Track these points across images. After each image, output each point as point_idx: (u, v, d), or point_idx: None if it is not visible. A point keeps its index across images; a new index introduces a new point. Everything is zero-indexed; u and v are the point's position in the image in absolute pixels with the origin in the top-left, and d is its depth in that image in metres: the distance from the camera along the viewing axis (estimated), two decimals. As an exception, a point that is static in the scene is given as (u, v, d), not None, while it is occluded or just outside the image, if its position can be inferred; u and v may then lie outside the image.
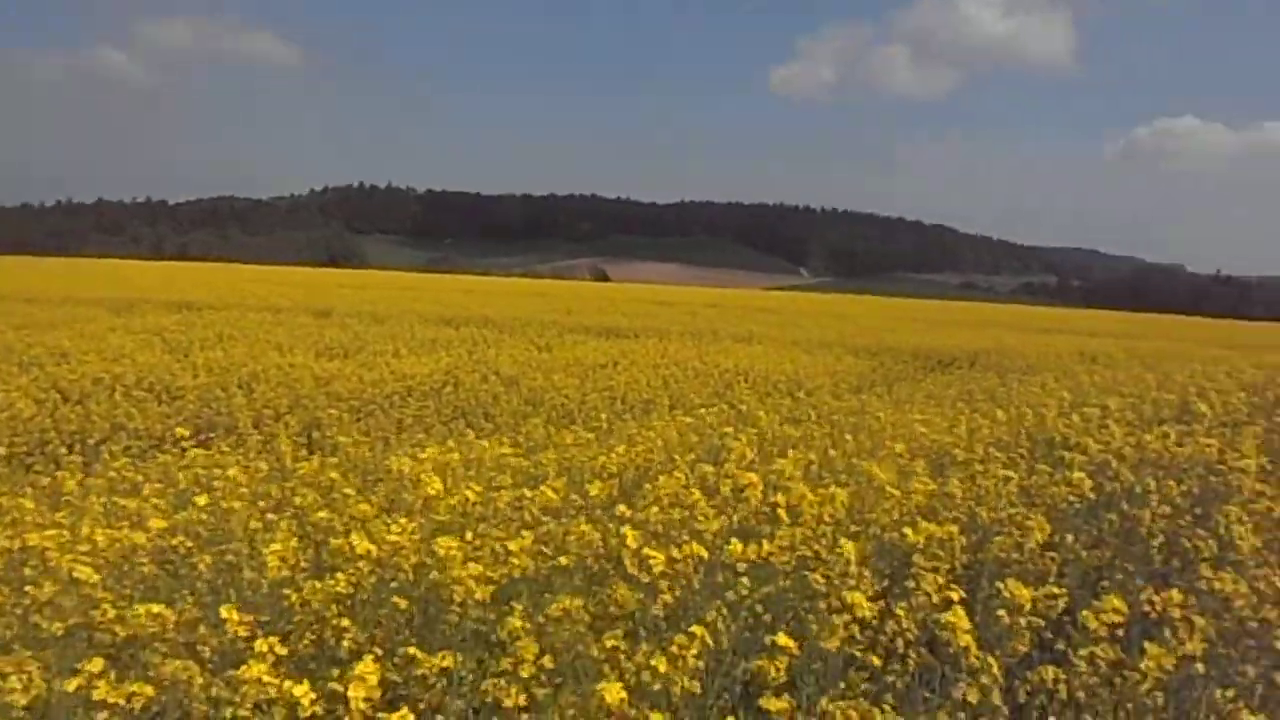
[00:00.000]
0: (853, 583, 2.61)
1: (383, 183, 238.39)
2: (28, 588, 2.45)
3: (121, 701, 1.89)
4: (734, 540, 2.71)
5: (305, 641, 2.31)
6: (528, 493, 3.14)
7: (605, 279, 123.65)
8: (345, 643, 2.29)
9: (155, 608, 2.24)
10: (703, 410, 6.67)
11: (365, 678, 1.84)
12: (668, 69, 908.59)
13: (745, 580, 2.68)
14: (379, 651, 2.22)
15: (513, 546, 2.57)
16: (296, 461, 4.73)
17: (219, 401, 10.29)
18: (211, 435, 9.41)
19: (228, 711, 1.98)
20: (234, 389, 11.11)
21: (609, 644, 2.19)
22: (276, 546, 2.60)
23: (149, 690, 1.99)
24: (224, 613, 2.17)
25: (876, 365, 18.39)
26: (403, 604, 2.41)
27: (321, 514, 3.09)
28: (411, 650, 2.18)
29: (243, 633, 2.19)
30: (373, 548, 2.40)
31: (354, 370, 13.54)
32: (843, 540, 2.76)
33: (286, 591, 2.46)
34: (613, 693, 1.98)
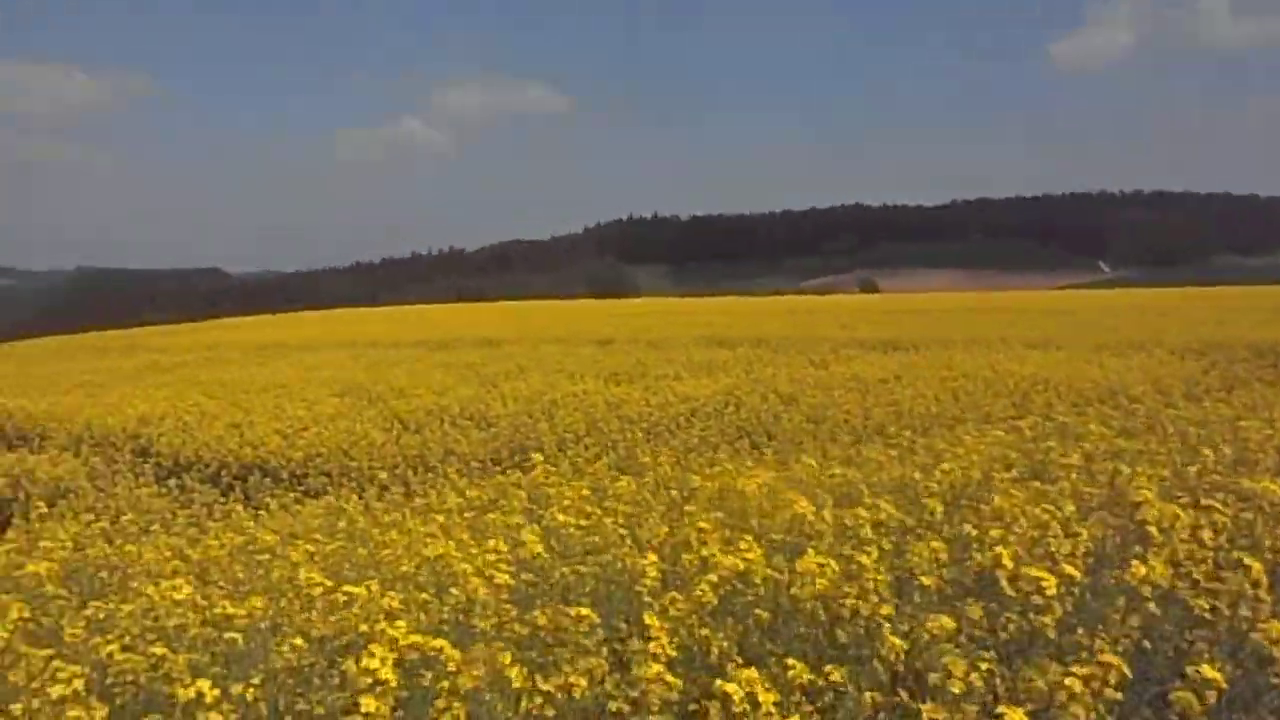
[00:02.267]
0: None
1: (649, 213, 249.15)
2: (452, 589, 2.82)
3: (552, 690, 2.12)
4: (1135, 563, 2.47)
5: (672, 646, 2.44)
6: (863, 511, 3.09)
7: (875, 291, 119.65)
8: (713, 649, 2.39)
9: (577, 610, 2.47)
10: (1020, 424, 6.19)
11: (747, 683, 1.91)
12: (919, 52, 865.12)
13: (1152, 605, 2.42)
14: (740, 659, 2.30)
15: (864, 560, 2.53)
16: (613, 482, 5.03)
17: (526, 427, 11.25)
18: (524, 458, 10.33)
19: (612, 705, 2.14)
20: (538, 415, 12.10)
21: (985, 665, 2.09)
22: (652, 558, 2.78)
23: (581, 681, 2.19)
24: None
25: (1208, 366, 16.08)
26: (764, 615, 2.47)
27: (663, 529, 3.25)
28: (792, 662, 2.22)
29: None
30: (738, 561, 2.49)
31: (640, 395, 14.18)
32: (1245, 557, 2.41)
33: (648, 600, 2.62)
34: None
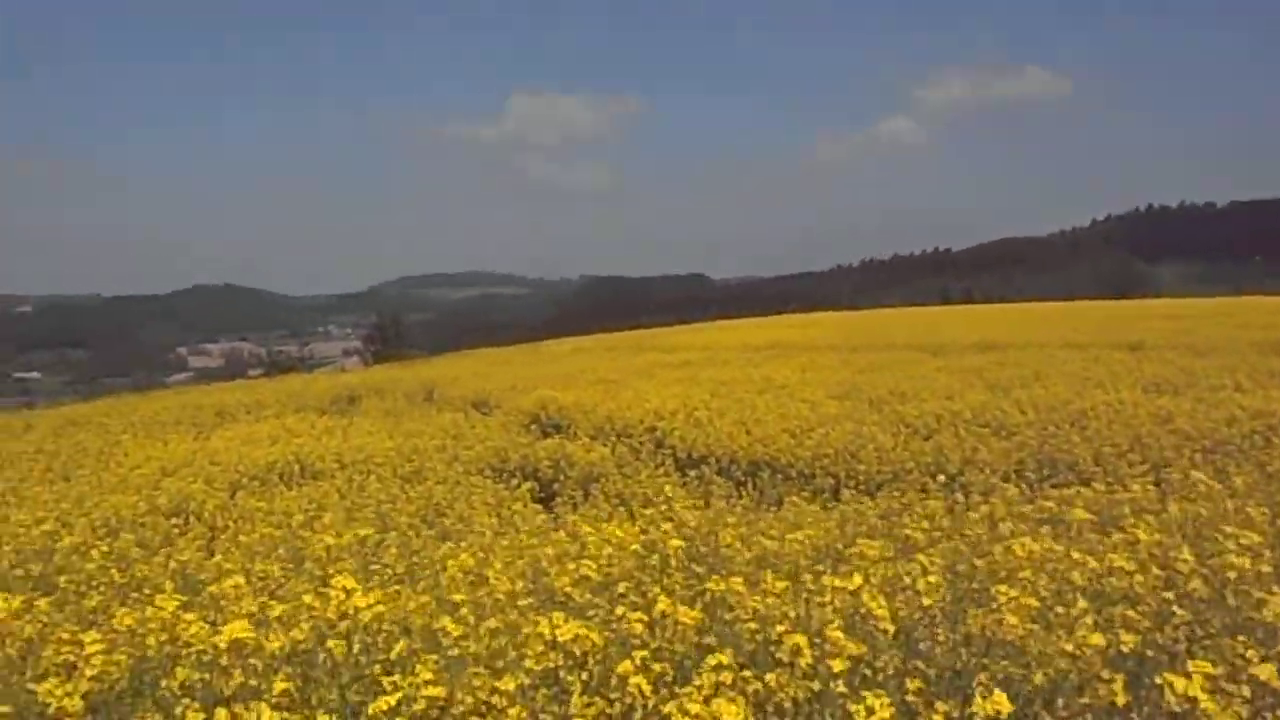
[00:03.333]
0: None
1: (1174, 202, 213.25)
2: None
3: None
4: None
5: None
6: None
7: None
8: None
9: None
10: None
11: None
12: None
13: None
14: None
15: None
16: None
17: (1056, 438, 9.97)
18: (1053, 471, 9.14)
19: None
20: (1065, 426, 10.71)
21: None
22: None
23: None
24: None
25: None
26: None
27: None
28: None
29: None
30: None
31: (1190, 406, 11.83)
32: None
33: None
34: None
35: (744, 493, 9.47)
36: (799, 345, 28.39)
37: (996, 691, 2.66)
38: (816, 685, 2.97)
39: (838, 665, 2.94)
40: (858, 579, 3.49)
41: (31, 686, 2.87)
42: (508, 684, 2.93)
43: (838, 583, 3.54)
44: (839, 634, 3.07)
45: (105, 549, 5.79)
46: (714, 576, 3.76)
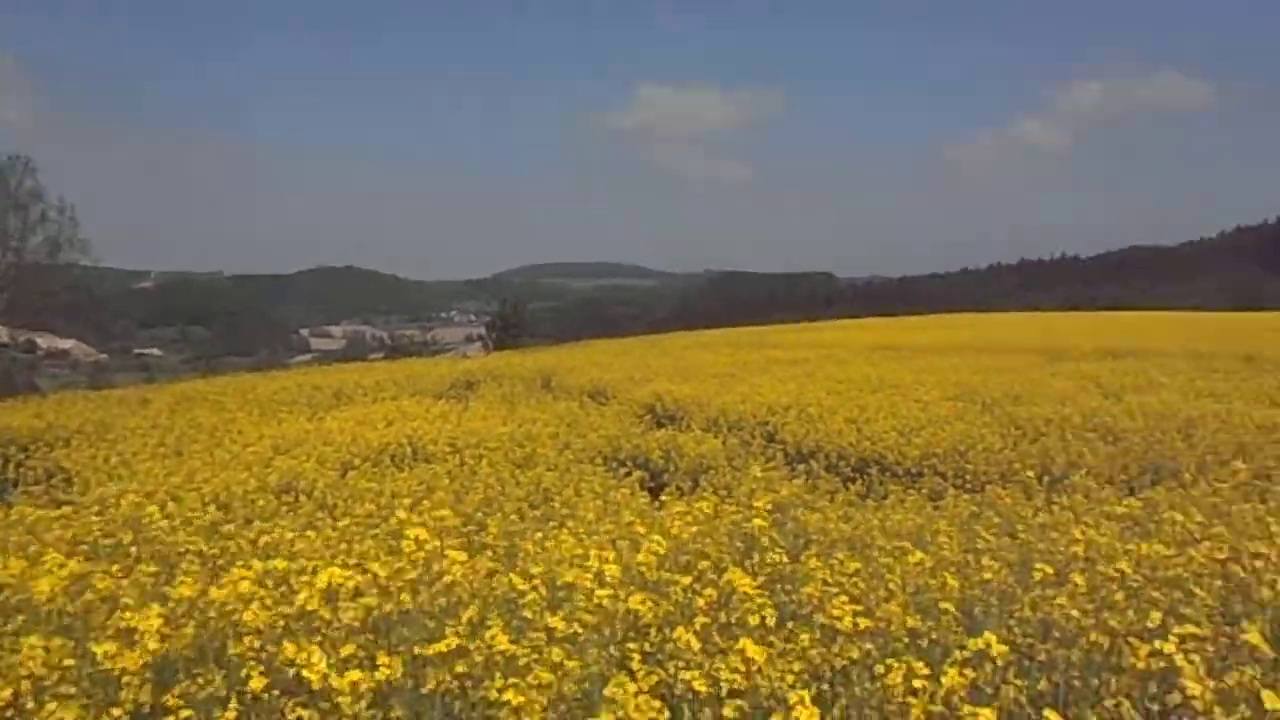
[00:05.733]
0: None
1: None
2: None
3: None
4: None
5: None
6: None
7: None
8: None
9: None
10: None
11: None
12: None
13: None
14: None
15: None
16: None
17: (1160, 444, 10.33)
18: (1157, 477, 9.53)
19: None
20: (1172, 433, 10.96)
21: None
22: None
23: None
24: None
25: None
26: None
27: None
28: None
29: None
30: None
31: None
32: None
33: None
34: None
35: (849, 487, 9.60)
36: (918, 346, 28.23)
37: (987, 632, 3.02)
38: (855, 653, 3.25)
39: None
40: (919, 554, 4.15)
41: (92, 648, 2.91)
42: (558, 623, 3.09)
43: (910, 559, 4.15)
44: (895, 608, 3.57)
45: (200, 520, 5.88)
46: (782, 553, 4.15)
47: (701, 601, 3.39)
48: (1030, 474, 8.71)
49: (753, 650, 2.83)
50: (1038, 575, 3.85)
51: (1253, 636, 3.01)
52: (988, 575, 4.16)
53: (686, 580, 3.64)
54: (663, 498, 6.71)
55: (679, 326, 58.26)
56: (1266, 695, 2.54)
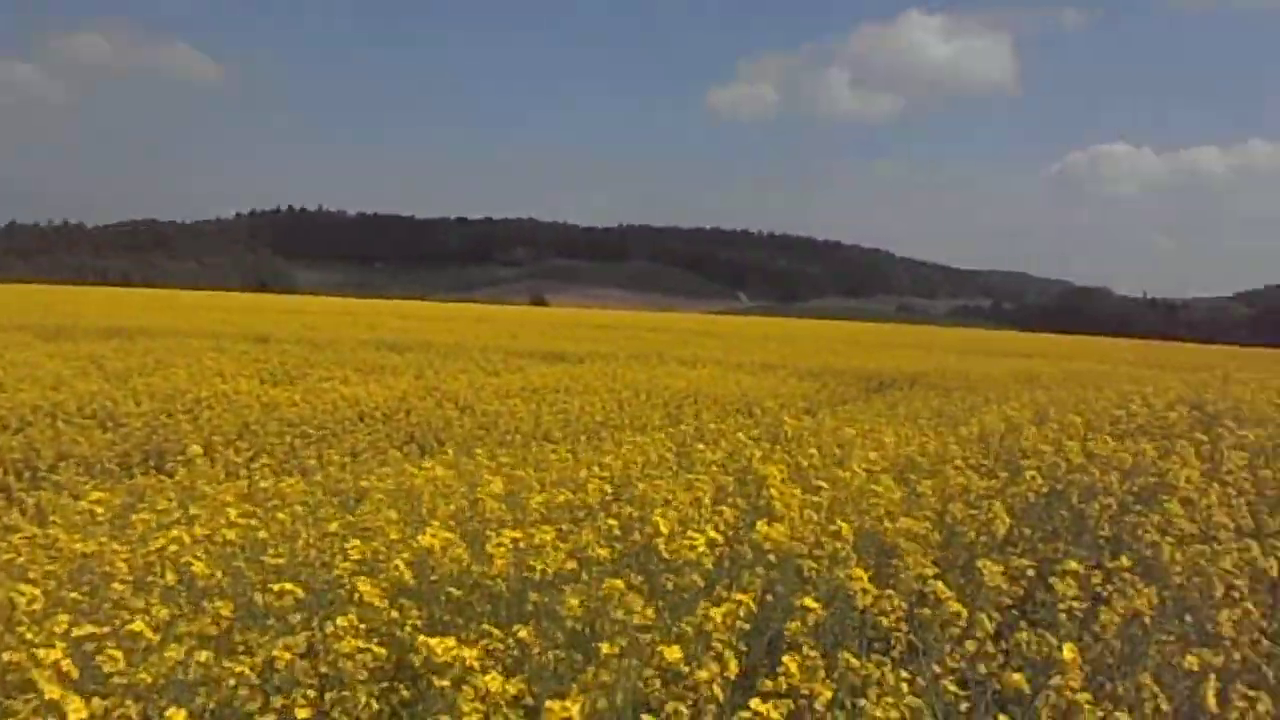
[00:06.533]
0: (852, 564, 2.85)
1: (313, 206, 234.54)
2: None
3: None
4: (759, 524, 2.94)
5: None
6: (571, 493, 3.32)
7: (543, 304, 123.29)
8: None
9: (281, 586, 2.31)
10: (679, 429, 6.85)
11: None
12: (602, 85, 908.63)
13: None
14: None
15: (545, 538, 2.73)
16: (277, 482, 4.75)
17: (165, 428, 10.07)
18: (162, 462, 9.21)
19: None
20: (179, 415, 10.85)
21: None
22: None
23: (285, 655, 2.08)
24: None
25: (821, 386, 18.84)
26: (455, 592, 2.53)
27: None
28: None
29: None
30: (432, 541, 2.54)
31: (301, 397, 13.31)
32: (839, 522, 3.00)
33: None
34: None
35: None
36: None
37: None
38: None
39: None
40: None
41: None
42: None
43: None
44: None
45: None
46: None
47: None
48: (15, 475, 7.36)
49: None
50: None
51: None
52: None
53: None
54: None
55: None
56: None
